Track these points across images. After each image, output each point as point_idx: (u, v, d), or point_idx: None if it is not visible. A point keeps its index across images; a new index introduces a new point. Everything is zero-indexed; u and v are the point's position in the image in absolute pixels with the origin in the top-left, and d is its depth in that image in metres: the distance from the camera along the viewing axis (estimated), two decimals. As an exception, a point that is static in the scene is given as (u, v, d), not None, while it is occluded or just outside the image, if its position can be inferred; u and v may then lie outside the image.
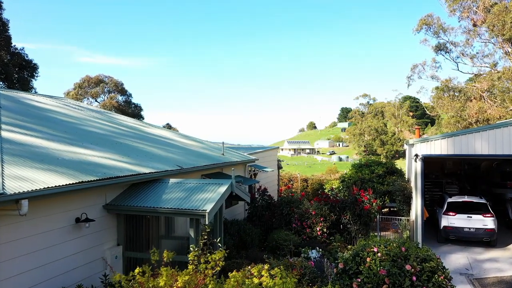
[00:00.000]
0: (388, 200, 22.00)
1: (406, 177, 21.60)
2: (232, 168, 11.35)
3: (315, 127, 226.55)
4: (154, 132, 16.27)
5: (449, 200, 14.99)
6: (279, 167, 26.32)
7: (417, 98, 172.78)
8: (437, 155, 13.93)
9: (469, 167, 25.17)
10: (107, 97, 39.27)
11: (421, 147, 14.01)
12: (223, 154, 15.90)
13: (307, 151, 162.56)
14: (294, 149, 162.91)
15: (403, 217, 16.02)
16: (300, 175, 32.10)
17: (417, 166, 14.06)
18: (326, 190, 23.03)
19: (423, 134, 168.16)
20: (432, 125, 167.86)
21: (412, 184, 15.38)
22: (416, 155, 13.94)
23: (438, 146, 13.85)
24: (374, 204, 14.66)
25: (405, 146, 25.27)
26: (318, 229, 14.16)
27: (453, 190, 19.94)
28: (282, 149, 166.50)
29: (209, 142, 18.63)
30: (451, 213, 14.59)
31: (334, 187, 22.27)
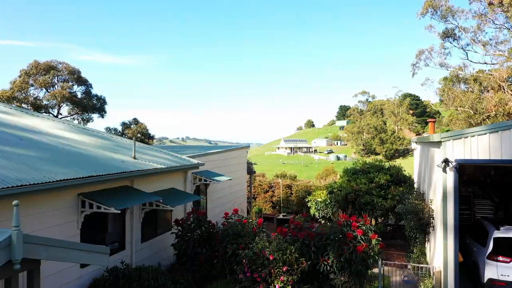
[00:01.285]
0: (392, 217, 16.24)
1: (416, 186, 15.82)
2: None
3: (313, 126, 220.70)
4: (21, 123, 10.41)
5: (498, 235, 9.10)
6: (251, 172, 20.51)
7: (417, 96, 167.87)
8: (483, 161, 8.14)
9: (497, 173, 19.36)
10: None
11: (454, 148, 8.17)
12: (134, 158, 10.07)
13: (304, 150, 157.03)
14: (291, 148, 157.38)
15: (421, 264, 10.18)
16: (282, 180, 26.27)
17: (447, 179, 8.24)
18: (309, 204, 17.26)
19: (423, 133, 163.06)
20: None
21: (437, 208, 9.58)
22: (446, 161, 8.10)
23: (485, 146, 8.02)
24: (373, 241, 8.84)
25: (414, 145, 19.42)
26: (278, 287, 8.34)
27: (485, 208, 14.11)
28: (278, 148, 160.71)
29: (124, 139, 12.75)
30: (501, 258, 8.77)
31: (319, 200, 16.49)
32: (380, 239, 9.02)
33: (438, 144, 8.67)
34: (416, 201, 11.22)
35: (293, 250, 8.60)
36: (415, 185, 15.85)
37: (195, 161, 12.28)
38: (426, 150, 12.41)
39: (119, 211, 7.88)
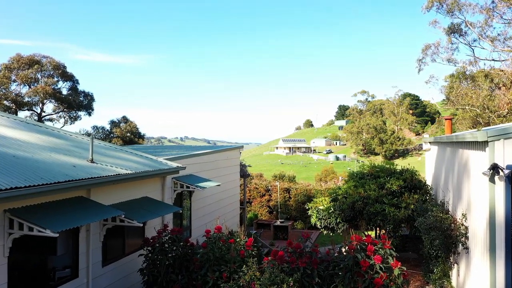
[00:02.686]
0: (405, 227, 14.30)
1: (432, 193, 13.82)
2: None
3: (311, 125, 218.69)
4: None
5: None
6: (245, 175, 18.47)
7: (417, 96, 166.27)
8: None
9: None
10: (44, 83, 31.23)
11: (505, 150, 6.15)
12: (92, 161, 8.02)
13: (303, 149, 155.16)
14: (290, 148, 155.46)
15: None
16: (280, 183, 24.25)
17: (496, 191, 6.22)
18: (309, 212, 15.22)
19: (423, 133, 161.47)
20: (432, 123, 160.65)
21: (474, 226, 7.55)
22: (496, 168, 6.08)
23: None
24: (396, 270, 6.80)
25: (427, 146, 17.42)
26: (271, 334, 6.30)
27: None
28: (277, 148, 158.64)
29: (86, 138, 10.65)
30: None
31: (321, 208, 14.46)
32: (404, 268, 6.98)
33: (481, 145, 6.63)
34: (441, 214, 9.19)
35: (291, 284, 6.56)
36: (431, 192, 13.84)
37: (174, 164, 10.23)
38: (451, 152, 10.39)
39: (57, 234, 5.85)
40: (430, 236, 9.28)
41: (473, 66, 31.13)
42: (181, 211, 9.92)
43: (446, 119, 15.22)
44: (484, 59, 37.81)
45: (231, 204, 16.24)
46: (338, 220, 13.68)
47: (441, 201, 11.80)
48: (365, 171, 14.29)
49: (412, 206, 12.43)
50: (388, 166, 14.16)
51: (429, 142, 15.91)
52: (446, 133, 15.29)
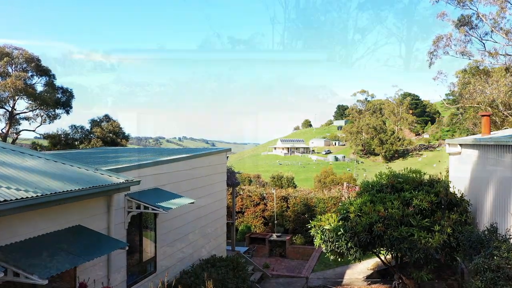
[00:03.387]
0: (439, 254, 11.16)
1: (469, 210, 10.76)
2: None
3: (310, 125, 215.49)
4: None
5: None
6: (234, 184, 15.34)
7: (417, 95, 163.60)
8: None
9: None
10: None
11: None
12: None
13: (302, 150, 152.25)
14: (288, 148, 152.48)
15: None
16: (277, 191, 21.16)
17: None
18: (312, 232, 12.09)
19: (423, 133, 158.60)
20: (432, 123, 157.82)
21: None
22: None
23: None
24: None
25: (453, 149, 14.36)
26: None
27: None
28: (275, 148, 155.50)
29: None
30: None
31: (327, 227, 11.37)
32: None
33: None
34: (509, 254, 6.12)
35: None
36: (469, 210, 10.79)
37: (119, 179, 7.11)
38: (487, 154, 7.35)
39: None
40: (486, 279, 6.23)
41: (492, 58, 28.07)
42: (127, 247, 6.81)
43: (483, 115, 12.18)
44: (499, 54, 34.85)
45: (215, 220, 13.15)
46: (349, 244, 10.62)
47: (488, 224, 8.73)
48: (384, 182, 11.21)
49: (448, 230, 9.40)
50: (413, 175, 11.08)
51: (460, 144, 12.84)
52: (482, 133, 12.25)
